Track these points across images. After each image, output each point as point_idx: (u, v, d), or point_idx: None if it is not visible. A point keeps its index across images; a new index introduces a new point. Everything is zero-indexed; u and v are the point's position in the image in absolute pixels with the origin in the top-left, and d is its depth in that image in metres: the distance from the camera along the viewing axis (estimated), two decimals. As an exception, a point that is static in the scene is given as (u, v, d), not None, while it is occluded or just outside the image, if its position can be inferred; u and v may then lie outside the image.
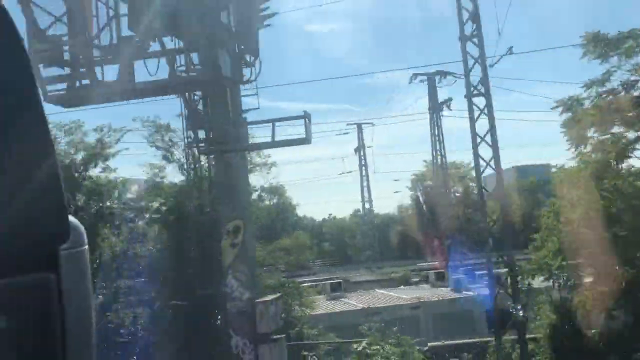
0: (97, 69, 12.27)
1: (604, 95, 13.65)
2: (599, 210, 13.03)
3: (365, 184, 66.02)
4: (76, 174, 19.59)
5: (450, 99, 46.53)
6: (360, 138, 63.26)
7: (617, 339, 13.69)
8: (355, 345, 16.67)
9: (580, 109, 13.89)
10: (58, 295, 0.98)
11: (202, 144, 16.01)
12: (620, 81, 13.67)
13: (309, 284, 30.96)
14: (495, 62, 15.26)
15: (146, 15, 12.00)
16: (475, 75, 14.41)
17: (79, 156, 19.52)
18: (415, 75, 46.99)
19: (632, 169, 14.25)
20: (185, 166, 19.60)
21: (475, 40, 14.46)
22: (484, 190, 17.76)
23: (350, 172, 74.16)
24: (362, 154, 64.40)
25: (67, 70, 12.10)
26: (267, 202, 53.96)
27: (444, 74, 46.62)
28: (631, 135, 13.64)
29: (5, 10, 0.91)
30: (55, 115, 17.05)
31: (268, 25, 14.93)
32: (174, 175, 20.90)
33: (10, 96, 0.91)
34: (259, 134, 16.20)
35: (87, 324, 1.06)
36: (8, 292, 0.92)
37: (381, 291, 35.16)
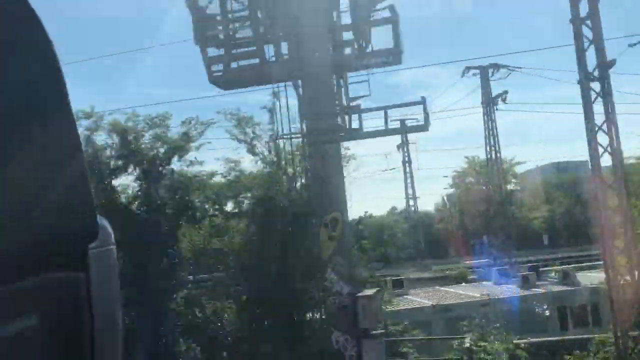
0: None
1: None
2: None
3: (409, 181, 65.11)
4: (160, 168, 19.39)
5: (505, 92, 45.49)
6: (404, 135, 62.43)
7: None
8: (455, 342, 16.09)
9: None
10: (87, 294, 0.98)
11: (299, 134, 15.65)
12: None
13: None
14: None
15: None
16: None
17: (162, 149, 19.27)
18: (468, 68, 46.12)
19: None
20: (274, 159, 19.23)
21: (589, 22, 13.69)
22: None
23: (394, 168, 73.49)
24: (405, 150, 63.48)
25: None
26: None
27: (497, 66, 45.72)
28: None
29: (34, 12, 0.91)
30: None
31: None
32: (254, 169, 20.57)
33: (39, 96, 0.91)
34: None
35: (114, 322, 1.06)
36: (38, 290, 0.90)
37: (444, 288, 34.42)
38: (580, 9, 13.70)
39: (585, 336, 18.77)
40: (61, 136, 0.94)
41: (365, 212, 79.19)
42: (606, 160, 14.23)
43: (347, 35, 14.90)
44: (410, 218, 66.70)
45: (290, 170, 19.93)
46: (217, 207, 20.99)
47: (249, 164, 20.56)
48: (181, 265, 19.70)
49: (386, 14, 13.60)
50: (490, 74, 46.35)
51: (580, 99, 14.15)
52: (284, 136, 16.16)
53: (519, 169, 72.02)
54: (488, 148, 47.02)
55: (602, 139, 14.08)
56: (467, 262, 53.32)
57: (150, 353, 18.26)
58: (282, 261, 18.66)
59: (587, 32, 13.76)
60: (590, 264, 39.85)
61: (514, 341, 21.21)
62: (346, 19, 15.26)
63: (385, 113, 12.21)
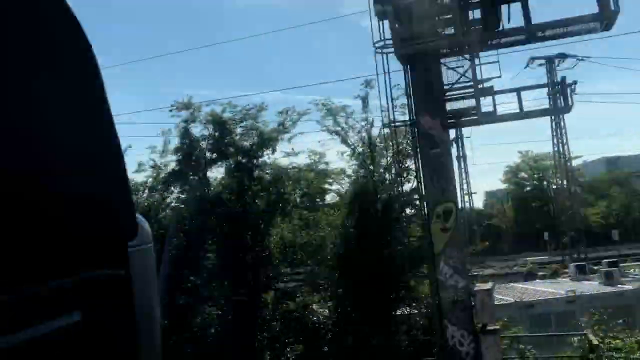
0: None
1: None
2: None
3: (464, 176, 63.78)
4: (254, 160, 19.13)
5: (575, 82, 43.75)
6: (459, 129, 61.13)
7: None
8: (574, 339, 15.29)
9: None
10: (127, 289, 1.01)
11: (406, 120, 15.08)
12: None
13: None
14: None
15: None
16: None
17: (256, 140, 18.99)
18: (533, 59, 44.64)
19: None
20: (367, 150, 18.75)
21: None
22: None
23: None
24: (460, 144, 62.16)
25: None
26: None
27: (563, 56, 44.10)
28: None
29: (75, 17, 0.92)
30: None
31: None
32: (345, 160, 20.14)
33: (79, 99, 0.93)
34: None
35: (153, 315, 1.10)
36: (82, 287, 0.93)
37: (519, 285, 33.40)
38: None
39: None
40: (103, 142, 0.96)
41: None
42: None
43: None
44: (466, 214, 65.42)
45: (384, 160, 19.42)
46: (306, 199, 20.66)
47: (335, 156, 20.16)
48: (274, 257, 19.43)
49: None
50: (556, 64, 44.75)
51: None
52: (392, 124, 15.58)
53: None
54: (555, 140, 45.41)
55: None
56: (528, 258, 51.92)
57: (246, 345, 18.04)
58: (377, 254, 18.19)
59: None
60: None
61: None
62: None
63: (519, 94, 11.53)
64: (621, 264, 38.01)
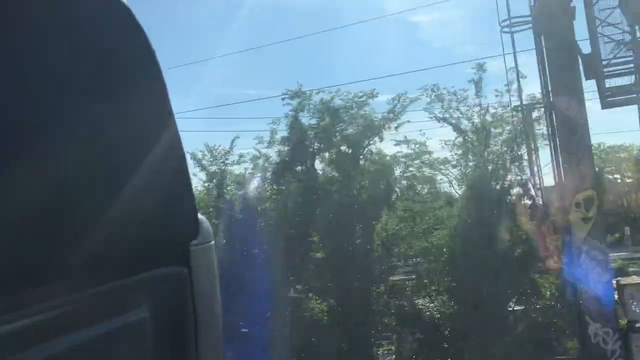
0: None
1: None
2: None
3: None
4: (361, 150, 18.53)
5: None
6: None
7: None
8: None
9: None
10: (190, 287, 1.04)
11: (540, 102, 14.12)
12: None
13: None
14: None
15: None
16: None
17: (361, 129, 18.36)
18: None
19: None
20: (480, 136, 17.84)
21: None
22: None
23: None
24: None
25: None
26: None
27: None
28: None
29: (140, 25, 0.94)
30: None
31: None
32: (446, 149, 19.28)
33: (142, 98, 0.94)
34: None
35: (215, 311, 1.13)
36: (148, 284, 0.97)
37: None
38: None
39: None
40: (167, 147, 0.98)
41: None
42: None
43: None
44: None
45: (496, 147, 18.49)
46: (411, 190, 19.91)
47: (438, 145, 19.34)
48: (383, 249, 18.81)
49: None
50: None
51: None
52: (521, 107, 14.65)
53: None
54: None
55: None
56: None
57: (356, 337, 17.52)
58: (494, 247, 17.30)
59: None
60: None
61: None
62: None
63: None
64: None
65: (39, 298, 0.77)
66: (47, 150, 0.78)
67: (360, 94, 17.80)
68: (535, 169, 16.80)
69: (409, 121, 18.72)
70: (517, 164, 18.26)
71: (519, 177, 18.30)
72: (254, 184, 19.30)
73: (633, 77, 11.67)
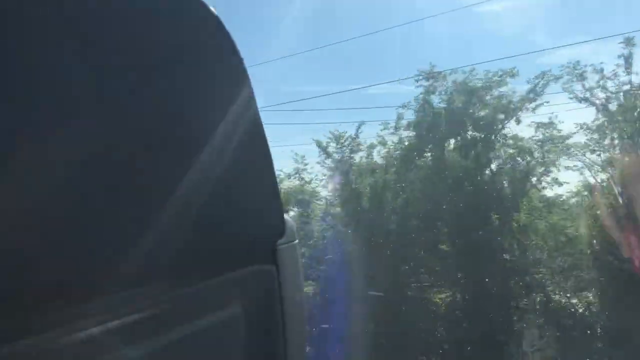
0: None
1: None
2: None
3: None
4: (493, 134, 17.30)
5: None
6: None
7: None
8: None
9: None
10: (277, 284, 1.07)
11: None
12: None
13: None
14: None
15: None
16: None
17: (495, 112, 17.11)
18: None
19: None
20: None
21: None
22: None
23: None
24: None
25: None
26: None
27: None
28: None
29: (232, 40, 0.96)
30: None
31: None
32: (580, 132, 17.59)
33: (230, 101, 0.96)
34: None
35: (300, 307, 1.17)
36: (241, 282, 1.01)
37: None
38: None
39: None
40: (256, 150, 1.02)
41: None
42: None
43: None
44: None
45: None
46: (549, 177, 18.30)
47: (574, 128, 17.63)
48: (521, 243, 17.47)
49: None
50: None
51: None
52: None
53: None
54: None
55: None
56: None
57: (491, 333, 16.35)
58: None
59: None
60: None
61: None
62: None
63: None
64: None
65: (142, 297, 0.80)
66: (143, 158, 0.80)
67: (500, 72, 16.58)
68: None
69: (547, 102, 17.27)
70: None
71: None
72: (377, 173, 18.62)
73: None
